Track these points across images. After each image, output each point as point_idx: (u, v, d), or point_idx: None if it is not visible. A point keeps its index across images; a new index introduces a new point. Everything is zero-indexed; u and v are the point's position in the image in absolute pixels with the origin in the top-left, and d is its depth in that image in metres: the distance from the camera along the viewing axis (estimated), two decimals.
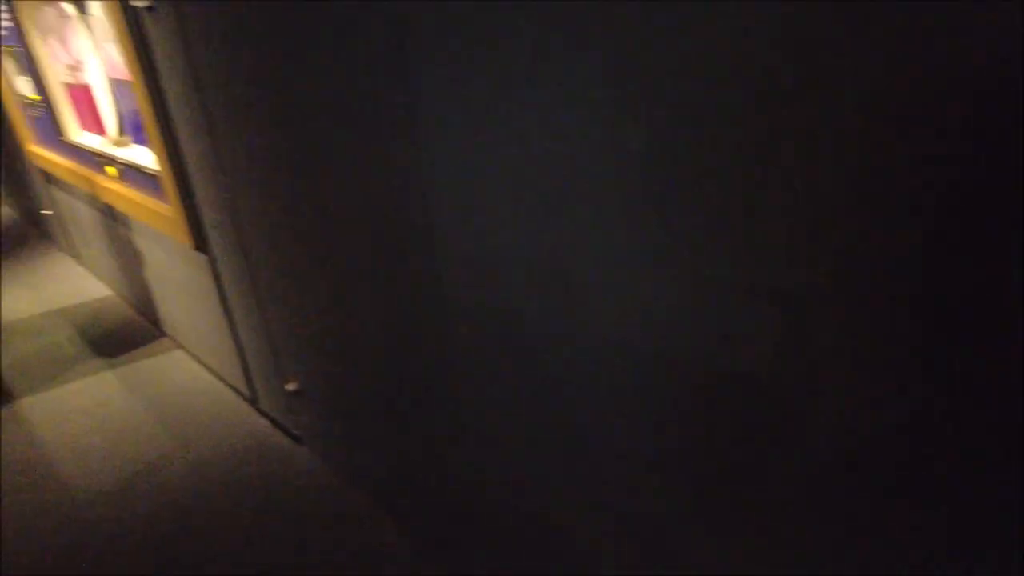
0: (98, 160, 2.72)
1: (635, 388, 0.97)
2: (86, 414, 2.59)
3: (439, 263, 1.20)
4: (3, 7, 2.88)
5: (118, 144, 2.72)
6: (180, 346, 2.97)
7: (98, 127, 2.81)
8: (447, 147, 1.06)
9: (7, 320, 3.55)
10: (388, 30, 1.05)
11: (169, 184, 2.06)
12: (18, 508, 2.14)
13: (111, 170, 2.61)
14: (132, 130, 2.53)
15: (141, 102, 1.99)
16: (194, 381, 2.71)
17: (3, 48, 3.22)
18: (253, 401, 2.42)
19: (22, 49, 2.95)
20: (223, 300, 2.20)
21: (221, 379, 2.65)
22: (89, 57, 2.57)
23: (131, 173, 2.47)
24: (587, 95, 0.82)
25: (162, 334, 3.12)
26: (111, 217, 3.03)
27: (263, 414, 2.39)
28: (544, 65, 0.85)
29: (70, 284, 3.92)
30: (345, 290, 1.52)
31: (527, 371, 1.15)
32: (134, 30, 1.86)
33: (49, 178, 3.70)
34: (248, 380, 2.36)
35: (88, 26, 2.46)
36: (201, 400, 2.57)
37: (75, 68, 2.73)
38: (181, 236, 2.16)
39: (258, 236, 1.79)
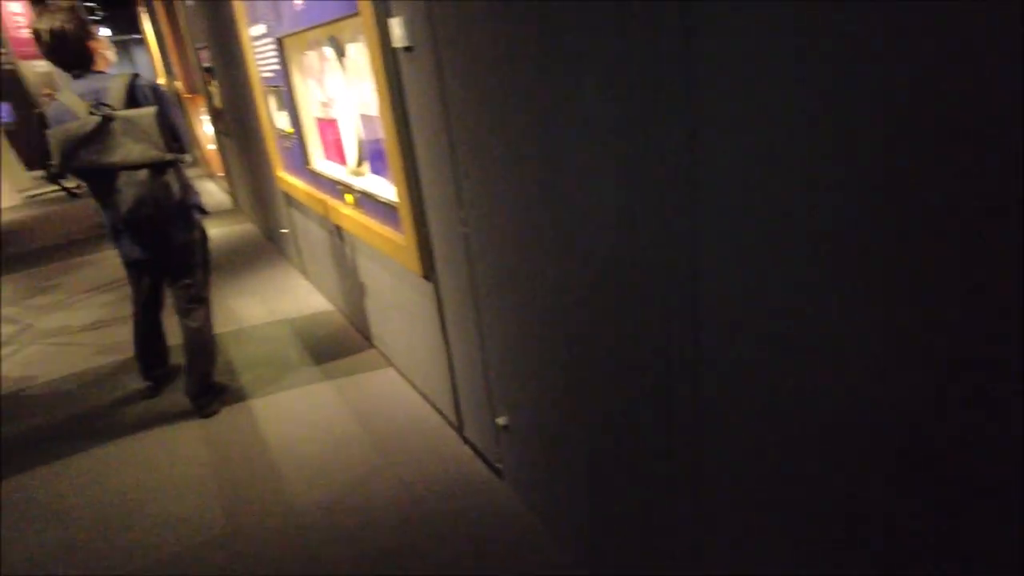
0: (338, 188, 2.97)
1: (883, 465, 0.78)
2: (304, 421, 2.80)
3: (698, 317, 1.09)
4: (275, 54, 3.28)
5: (355, 173, 2.96)
6: (391, 364, 3.13)
7: (340, 157, 3.08)
8: (724, 193, 0.96)
9: (242, 325, 3.99)
10: (667, 68, 0.98)
11: (406, 215, 2.16)
12: (243, 503, 2.33)
13: (349, 197, 2.83)
14: (370, 161, 2.73)
15: (387, 136, 2.12)
16: (403, 401, 2.83)
17: (270, 88, 3.67)
18: (459, 428, 2.46)
19: (285, 89, 3.33)
20: (443, 328, 2.27)
21: (429, 402, 2.74)
22: (340, 94, 2.82)
23: (367, 201, 2.66)
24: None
25: (375, 350, 3.32)
26: (340, 239, 3.30)
27: (467, 442, 2.41)
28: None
29: (297, 296, 4.34)
30: (578, 334, 1.46)
31: (786, 445, 1.00)
32: (390, 69, 1.98)
33: (290, 201, 4.14)
34: (456, 407, 2.40)
35: (343, 67, 2.70)
36: (408, 420, 2.67)
37: (326, 104, 3.02)
38: (411, 264, 2.26)
39: (489, 271, 1.81)
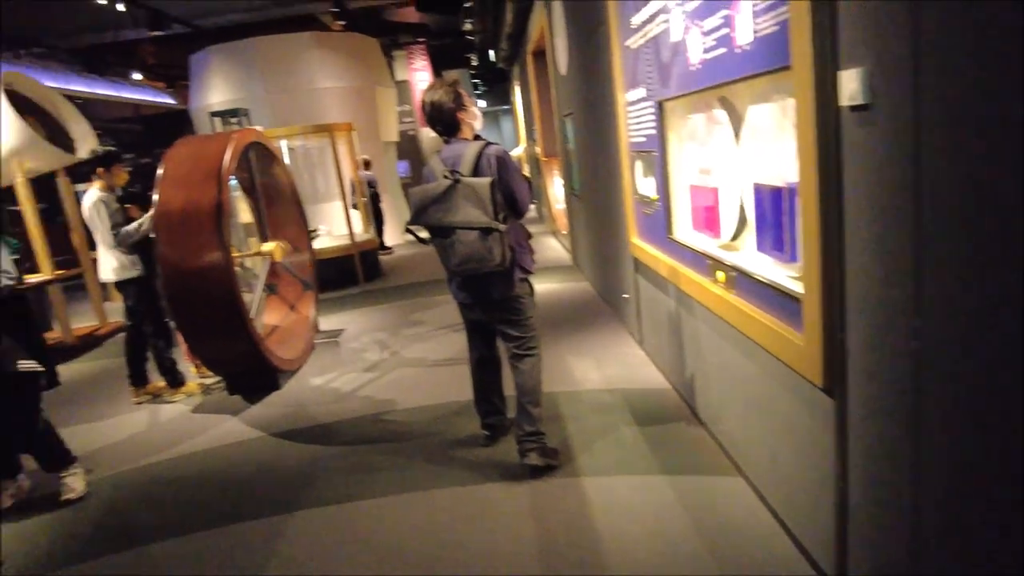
0: (707, 262, 2.66)
1: None
2: (640, 520, 2.46)
3: None
4: (652, 119, 3.15)
5: (728, 248, 2.62)
6: (739, 471, 2.66)
7: (711, 229, 2.77)
8: None
9: (577, 388, 3.89)
10: None
11: (814, 309, 1.73)
12: None
13: (721, 275, 2.49)
14: (758, 235, 2.34)
15: (806, 211, 1.73)
16: (755, 525, 2.33)
17: (638, 153, 3.57)
18: None
19: (657, 154, 3.17)
20: (841, 458, 1.76)
21: (792, 537, 2.19)
22: (727, 160, 2.52)
23: (744, 281, 2.29)
24: None
25: (720, 448, 2.88)
26: (695, 316, 2.97)
27: None
28: None
29: (631, 366, 4.12)
30: None
31: None
32: (826, 131, 1.60)
33: (638, 267, 3.98)
34: (840, 563, 1.84)
35: (736, 131, 2.40)
36: (764, 556, 2.16)
37: (706, 171, 2.76)
38: (807, 370, 1.81)
39: (955, 403, 1.28)
